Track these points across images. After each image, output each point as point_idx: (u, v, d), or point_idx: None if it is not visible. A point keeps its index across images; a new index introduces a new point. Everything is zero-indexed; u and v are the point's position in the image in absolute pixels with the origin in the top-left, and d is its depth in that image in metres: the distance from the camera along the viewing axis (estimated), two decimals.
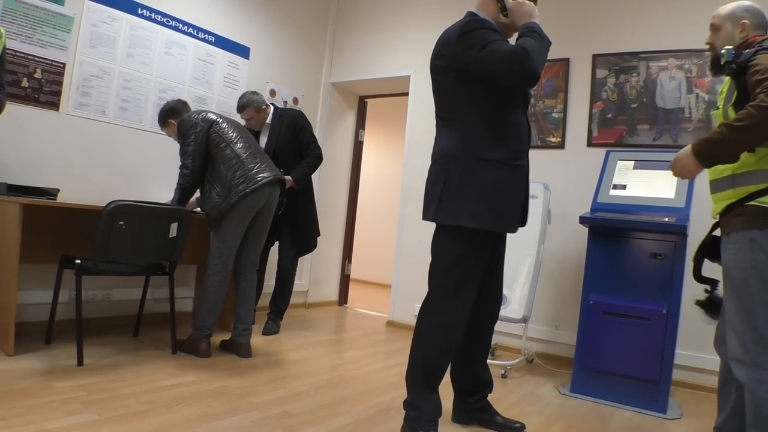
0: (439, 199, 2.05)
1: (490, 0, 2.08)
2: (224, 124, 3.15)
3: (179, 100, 3.35)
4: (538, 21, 1.97)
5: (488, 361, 2.50)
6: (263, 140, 3.86)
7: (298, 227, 3.90)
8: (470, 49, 1.92)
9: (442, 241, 2.12)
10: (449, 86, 2.07)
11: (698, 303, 2.04)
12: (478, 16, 2.06)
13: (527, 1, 2.01)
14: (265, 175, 3.05)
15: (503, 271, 2.37)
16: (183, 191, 3.10)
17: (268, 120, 3.87)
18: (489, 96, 2.01)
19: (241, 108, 3.76)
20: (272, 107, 3.91)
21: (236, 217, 3.03)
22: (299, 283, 5.10)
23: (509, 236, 2.31)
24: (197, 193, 3.23)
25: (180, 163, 3.08)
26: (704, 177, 2.93)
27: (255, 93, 3.80)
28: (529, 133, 2.19)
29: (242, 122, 3.87)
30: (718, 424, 2.01)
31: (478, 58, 1.90)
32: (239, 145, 3.10)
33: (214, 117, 3.15)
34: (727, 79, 1.88)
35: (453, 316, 2.07)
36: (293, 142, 3.85)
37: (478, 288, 2.13)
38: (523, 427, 2.33)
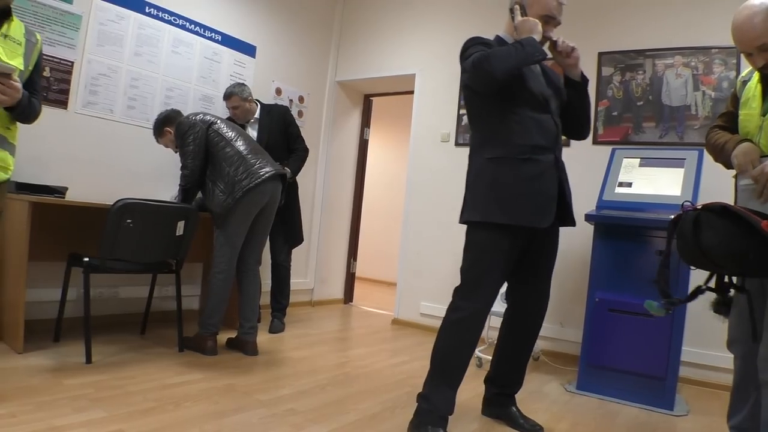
0: (463, 202, 2.24)
1: (509, 18, 2.22)
2: (222, 124, 3.17)
3: (173, 109, 3.38)
4: (538, 37, 2.03)
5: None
6: (252, 134, 3.88)
7: (287, 222, 3.94)
8: (462, 62, 2.13)
9: (467, 240, 2.21)
10: (466, 99, 2.27)
11: (713, 305, 1.96)
12: (499, 36, 2.25)
13: (531, 19, 2.08)
14: (267, 169, 3.07)
15: (551, 269, 2.36)
16: (185, 192, 3.12)
17: (256, 114, 3.91)
18: (491, 100, 2.13)
19: (227, 96, 3.80)
20: (258, 103, 3.95)
21: (241, 213, 3.04)
22: (305, 281, 5.12)
23: None
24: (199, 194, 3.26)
25: (180, 165, 3.11)
26: (709, 175, 2.94)
27: (242, 84, 3.85)
28: (553, 129, 2.17)
29: (227, 112, 3.91)
30: (734, 424, 1.99)
31: (463, 69, 2.11)
32: (239, 143, 3.12)
33: (211, 118, 3.18)
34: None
35: (471, 312, 2.10)
36: (283, 135, 3.92)
37: (499, 286, 2.17)
38: (541, 429, 2.32)
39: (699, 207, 1.68)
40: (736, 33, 1.78)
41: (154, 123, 3.35)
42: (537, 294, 2.34)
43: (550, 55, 2.17)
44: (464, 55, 2.11)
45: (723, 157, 1.95)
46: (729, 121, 2.00)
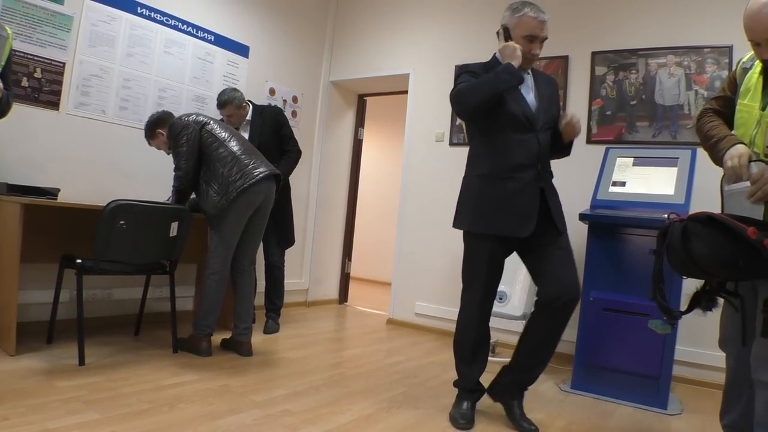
0: (455, 211, 2.46)
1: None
2: (215, 125, 3.16)
3: (164, 111, 3.35)
4: (516, 62, 2.16)
5: (489, 358, 2.58)
6: (243, 134, 3.85)
7: (280, 223, 3.93)
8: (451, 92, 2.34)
9: (463, 244, 2.45)
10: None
11: (695, 295, 1.93)
12: (495, 55, 2.35)
13: (510, 44, 2.20)
14: (261, 170, 3.06)
15: (568, 259, 2.32)
16: (179, 193, 3.11)
17: (248, 117, 3.89)
18: (477, 123, 2.35)
19: (222, 104, 3.75)
20: (250, 105, 3.94)
21: (235, 214, 3.03)
22: (299, 281, 5.12)
23: None
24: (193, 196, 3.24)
25: (174, 166, 3.09)
26: (702, 173, 2.95)
27: (235, 90, 3.80)
28: (534, 148, 2.27)
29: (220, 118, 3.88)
30: (728, 422, 1.99)
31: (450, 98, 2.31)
32: (233, 143, 3.11)
33: (204, 118, 3.16)
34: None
35: (469, 301, 2.40)
36: (275, 136, 3.90)
37: (492, 280, 2.37)
38: (536, 429, 2.31)
39: (685, 218, 1.68)
40: (748, 21, 1.73)
41: (146, 125, 3.32)
42: (560, 286, 2.24)
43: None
44: (454, 84, 2.29)
45: (713, 153, 1.92)
46: (724, 106, 1.95)
